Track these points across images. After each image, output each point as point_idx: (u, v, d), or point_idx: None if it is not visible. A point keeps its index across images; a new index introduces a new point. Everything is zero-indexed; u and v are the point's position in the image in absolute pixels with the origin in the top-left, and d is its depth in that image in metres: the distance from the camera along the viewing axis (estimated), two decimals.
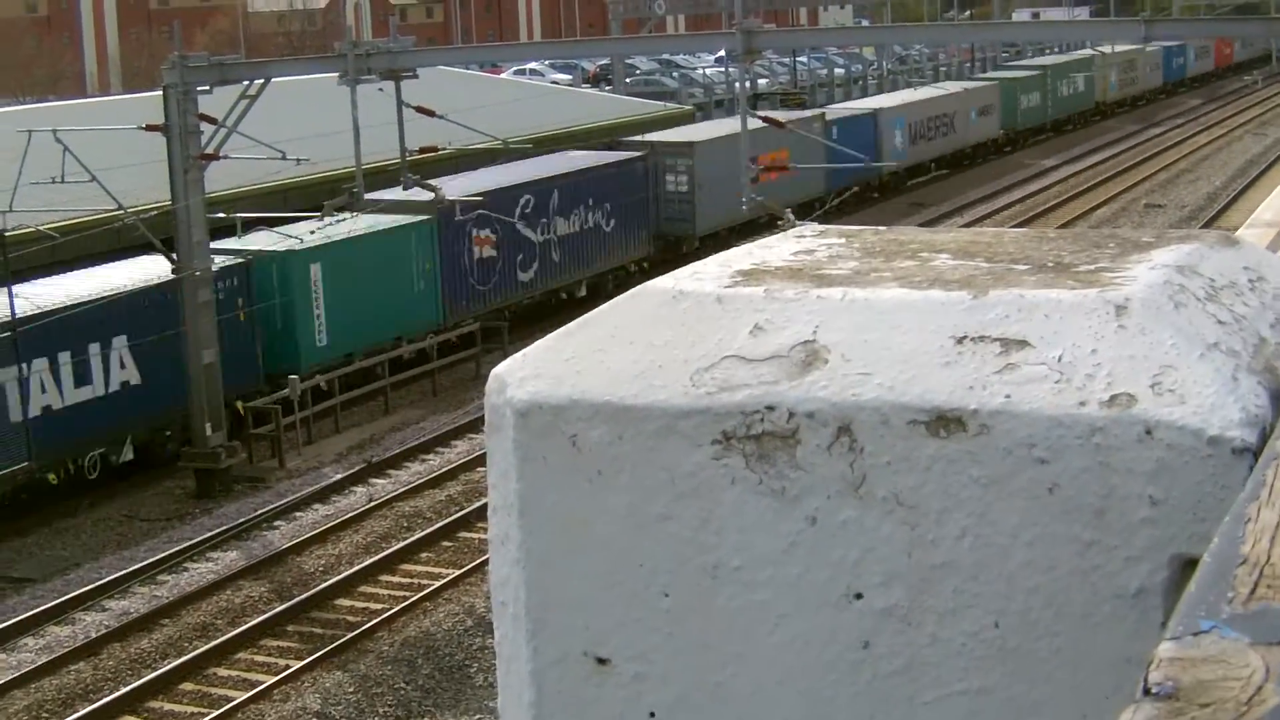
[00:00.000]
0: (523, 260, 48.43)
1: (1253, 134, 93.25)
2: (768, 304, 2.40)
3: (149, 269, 36.81)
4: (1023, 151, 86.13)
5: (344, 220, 38.84)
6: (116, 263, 36.75)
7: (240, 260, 39.40)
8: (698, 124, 68.28)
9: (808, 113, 66.92)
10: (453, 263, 45.55)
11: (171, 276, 36.67)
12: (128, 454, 35.91)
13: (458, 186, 45.11)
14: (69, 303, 34.29)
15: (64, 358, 34.46)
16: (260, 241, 40.75)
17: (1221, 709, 1.30)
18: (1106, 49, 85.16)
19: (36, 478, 33.73)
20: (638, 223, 53.97)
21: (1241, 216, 53.26)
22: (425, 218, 43.91)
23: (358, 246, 41.85)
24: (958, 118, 78.75)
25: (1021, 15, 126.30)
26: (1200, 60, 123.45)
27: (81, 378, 35.01)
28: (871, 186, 69.64)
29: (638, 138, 58.72)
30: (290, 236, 39.95)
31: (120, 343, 35.67)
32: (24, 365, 33.33)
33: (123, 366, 35.89)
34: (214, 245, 38.42)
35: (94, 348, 35.14)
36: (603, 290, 45.95)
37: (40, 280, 35.39)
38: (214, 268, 37.49)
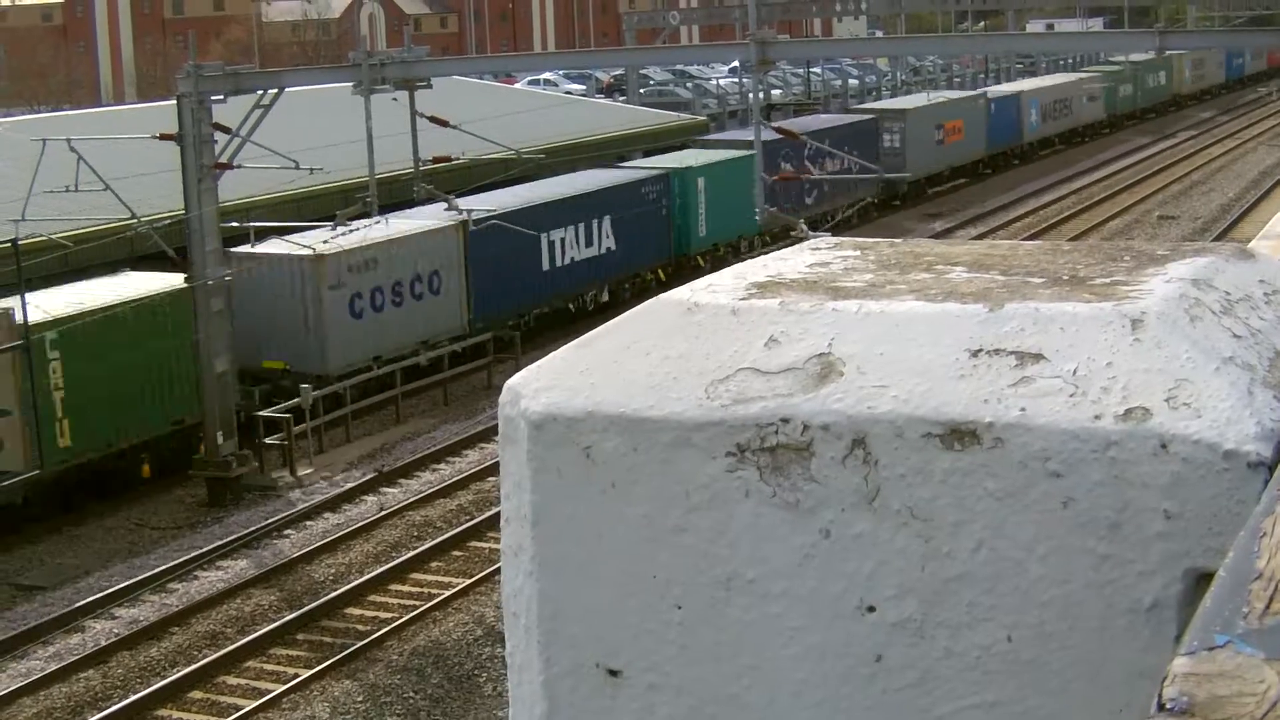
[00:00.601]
0: (808, 188, 63.51)
1: (1267, 145, 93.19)
2: (783, 316, 2.40)
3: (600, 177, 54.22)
4: (1121, 131, 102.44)
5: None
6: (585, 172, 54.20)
7: (663, 172, 55.85)
8: (908, 96, 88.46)
9: (973, 92, 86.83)
10: (768, 186, 57.22)
11: (639, 176, 54.56)
12: (604, 296, 52.16)
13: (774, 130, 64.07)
14: (583, 191, 50.86)
15: (581, 228, 50.74)
16: (670, 160, 58.79)
17: None
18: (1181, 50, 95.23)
19: (551, 311, 49.14)
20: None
21: (1255, 228, 53.19)
22: (753, 152, 56.50)
23: (721, 168, 57.56)
24: (1074, 102, 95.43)
25: (1035, 26, 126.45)
26: (1255, 60, 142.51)
27: (588, 241, 51.16)
28: (1014, 154, 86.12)
29: (866, 105, 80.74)
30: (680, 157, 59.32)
31: (607, 220, 51.71)
32: (563, 229, 49.38)
33: (608, 236, 51.84)
34: (640, 162, 59.33)
35: (594, 222, 51.12)
36: (850, 219, 65.00)
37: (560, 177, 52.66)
38: (645, 176, 54.92)
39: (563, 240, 49.91)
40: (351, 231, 39.93)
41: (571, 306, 50.56)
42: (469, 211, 44.25)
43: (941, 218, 70.20)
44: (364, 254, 41.40)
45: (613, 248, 52.16)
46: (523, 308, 47.92)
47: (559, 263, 49.74)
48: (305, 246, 40.34)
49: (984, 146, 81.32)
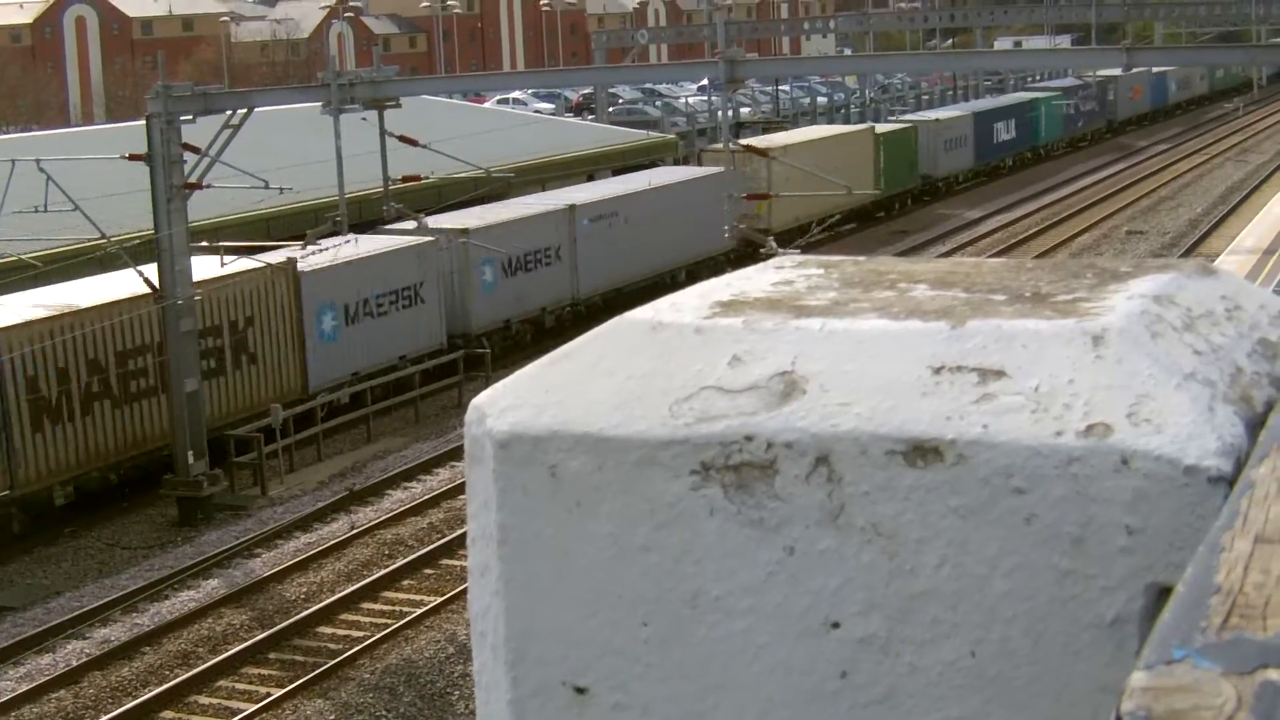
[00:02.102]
0: (1078, 117, 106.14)
1: (1234, 161, 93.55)
2: (746, 335, 2.41)
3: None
4: (1217, 103, 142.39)
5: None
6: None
7: (1031, 99, 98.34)
8: (1113, 70, 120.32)
9: (1143, 69, 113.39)
10: (1071, 114, 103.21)
11: (1019, 100, 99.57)
12: (1009, 161, 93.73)
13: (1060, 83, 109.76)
14: (1002, 105, 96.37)
15: (1000, 124, 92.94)
16: (1028, 95, 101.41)
17: None
18: None
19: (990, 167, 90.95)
20: (1104, 112, 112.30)
21: (1223, 243, 53.42)
22: (1062, 94, 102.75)
23: (1047, 102, 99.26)
24: (1192, 80, 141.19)
25: (1003, 44, 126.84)
26: None
27: (1007, 131, 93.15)
28: (1162, 112, 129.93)
29: (1098, 74, 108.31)
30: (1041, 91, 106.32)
31: (1012, 121, 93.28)
32: (1001, 123, 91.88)
33: (1011, 130, 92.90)
34: (1013, 95, 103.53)
35: (1007, 122, 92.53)
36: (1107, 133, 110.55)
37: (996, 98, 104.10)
38: (1017, 102, 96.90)
39: (998, 128, 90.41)
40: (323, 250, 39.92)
41: (1000, 165, 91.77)
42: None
43: (910, 235, 70.36)
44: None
45: (1014, 136, 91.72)
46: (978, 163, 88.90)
47: (998, 140, 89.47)
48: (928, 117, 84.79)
49: (1149, 104, 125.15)
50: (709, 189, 58.61)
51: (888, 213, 76.42)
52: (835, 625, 2.26)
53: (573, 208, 52.95)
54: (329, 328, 42.24)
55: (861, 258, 2.89)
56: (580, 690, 2.42)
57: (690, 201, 58.50)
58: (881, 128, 78.57)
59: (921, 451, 2.19)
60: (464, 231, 46.84)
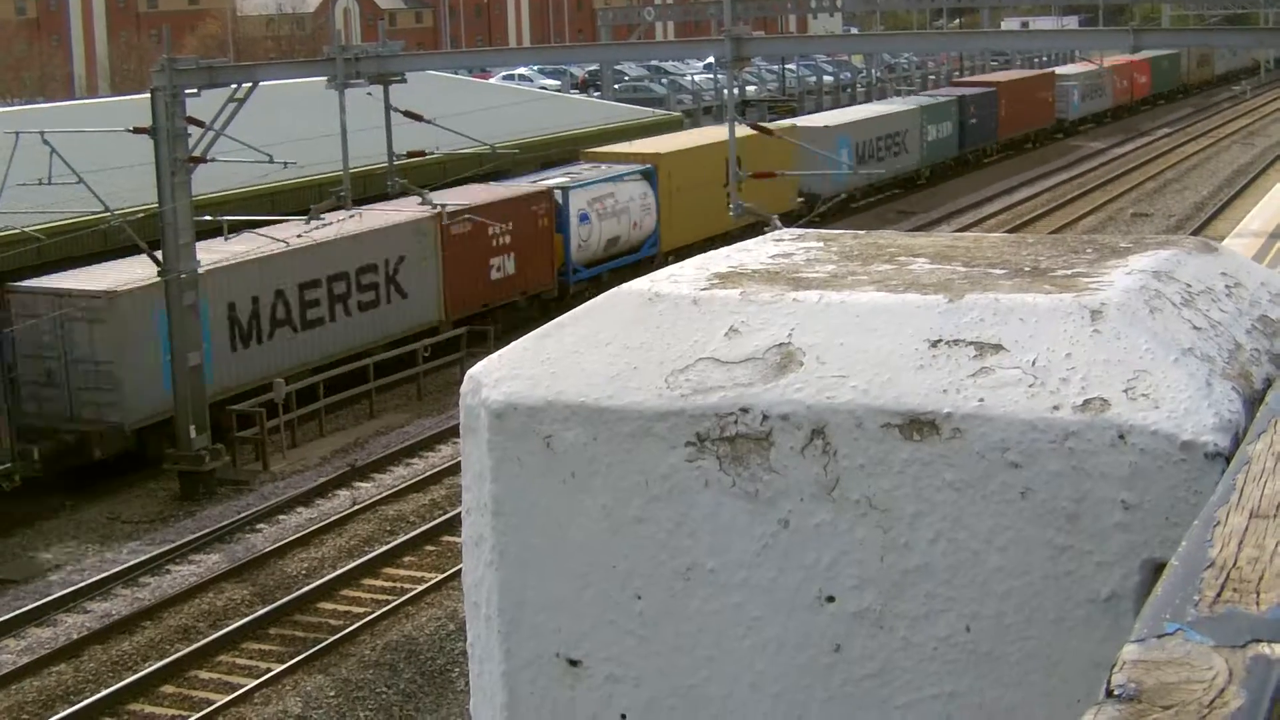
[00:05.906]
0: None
1: (1241, 143, 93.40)
2: (743, 306, 2.40)
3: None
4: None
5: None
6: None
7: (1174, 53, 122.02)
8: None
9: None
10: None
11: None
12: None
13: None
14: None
15: None
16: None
17: (1184, 711, 1.30)
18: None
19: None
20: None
21: (1228, 226, 53.30)
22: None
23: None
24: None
25: (1010, 24, 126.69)
26: None
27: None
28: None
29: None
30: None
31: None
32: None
33: None
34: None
35: None
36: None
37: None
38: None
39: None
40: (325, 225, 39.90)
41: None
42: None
43: (914, 215, 70.27)
44: None
45: None
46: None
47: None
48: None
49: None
50: None
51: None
52: (829, 599, 2.25)
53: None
54: None
55: (861, 232, 2.87)
56: (573, 662, 2.41)
57: None
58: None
59: (917, 425, 2.18)
60: None
